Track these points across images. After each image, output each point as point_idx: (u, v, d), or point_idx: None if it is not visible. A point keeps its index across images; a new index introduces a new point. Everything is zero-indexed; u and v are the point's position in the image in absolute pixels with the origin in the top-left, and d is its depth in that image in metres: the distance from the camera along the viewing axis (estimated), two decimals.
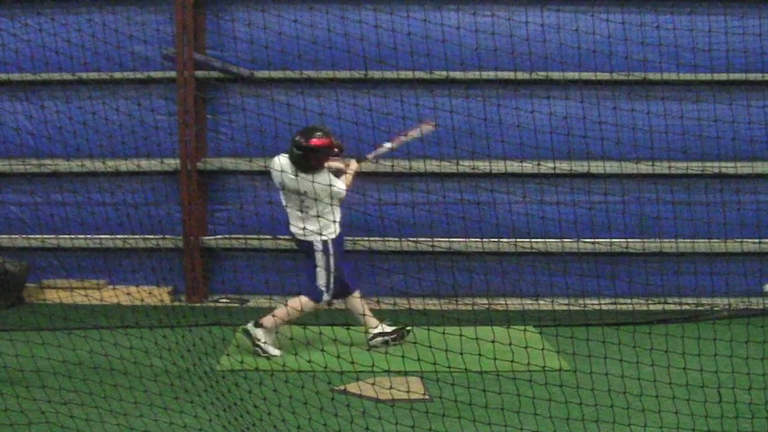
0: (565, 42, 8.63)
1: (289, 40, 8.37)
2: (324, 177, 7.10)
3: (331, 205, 7.10)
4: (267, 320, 7.27)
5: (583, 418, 5.38)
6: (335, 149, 7.25)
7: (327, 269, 7.23)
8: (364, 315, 7.49)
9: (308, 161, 7.13)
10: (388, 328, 7.51)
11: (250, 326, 7.31)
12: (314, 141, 7.14)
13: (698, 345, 6.02)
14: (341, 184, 7.28)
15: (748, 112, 9.01)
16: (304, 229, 7.20)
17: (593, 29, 8.56)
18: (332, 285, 7.27)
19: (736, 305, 9.03)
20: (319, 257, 7.23)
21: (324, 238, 7.18)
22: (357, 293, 7.48)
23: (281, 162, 7.20)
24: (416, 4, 9.10)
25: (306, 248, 7.31)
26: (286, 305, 7.25)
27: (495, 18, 8.37)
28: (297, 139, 7.15)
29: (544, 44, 8.39)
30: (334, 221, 7.17)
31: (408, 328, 7.48)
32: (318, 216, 6.95)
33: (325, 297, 7.27)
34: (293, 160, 7.17)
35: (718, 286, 8.73)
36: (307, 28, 8.14)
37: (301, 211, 7.19)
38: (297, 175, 7.03)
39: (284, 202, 7.34)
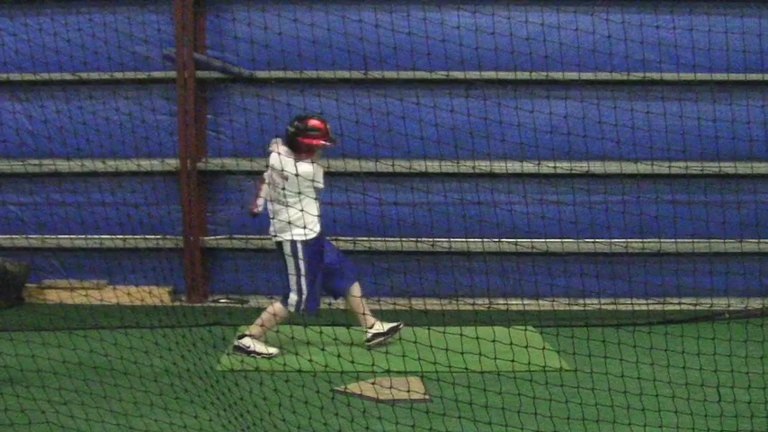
0: (565, 42, 8.63)
1: (289, 40, 8.37)
2: (307, 166, 7.08)
3: (300, 199, 6.92)
4: (253, 329, 7.29)
5: (583, 417, 5.38)
6: (330, 137, 7.30)
7: (297, 273, 7.16)
8: (364, 314, 7.49)
9: (300, 143, 7.18)
10: (385, 326, 7.53)
11: (236, 342, 7.30)
12: (310, 122, 7.25)
13: (697, 344, 6.03)
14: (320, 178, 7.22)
15: (748, 111, 9.02)
16: (277, 227, 7.19)
17: (594, 29, 8.57)
18: (304, 290, 7.16)
19: (735, 305, 9.04)
20: (289, 260, 7.18)
21: (293, 238, 7.12)
22: (357, 292, 7.46)
23: (281, 148, 7.26)
24: (416, 3, 9.09)
25: (279, 250, 7.29)
26: (273, 314, 7.29)
27: (495, 18, 8.36)
28: (294, 122, 7.26)
29: (544, 44, 8.39)
30: (305, 227, 7.05)
31: (400, 324, 7.50)
32: (294, 207, 6.92)
33: (294, 298, 7.16)
34: (288, 141, 7.23)
35: (718, 286, 8.74)
36: (307, 27, 8.14)
37: (277, 205, 7.16)
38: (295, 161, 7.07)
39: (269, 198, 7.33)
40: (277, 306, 7.26)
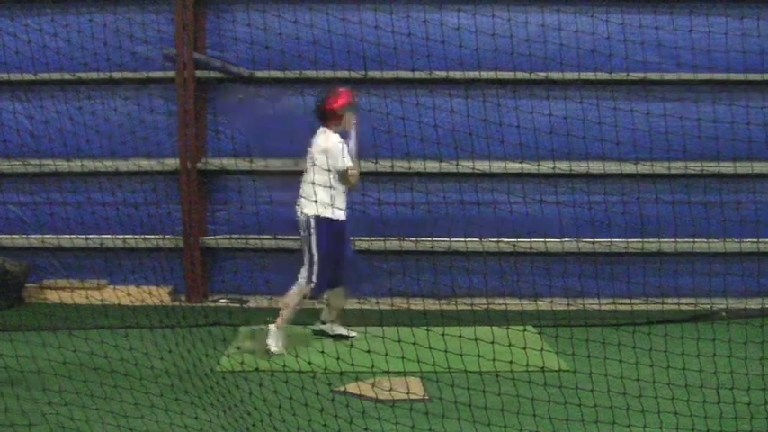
0: (565, 43, 8.64)
1: (289, 41, 8.38)
2: (334, 138, 7.27)
3: (330, 177, 7.07)
4: (278, 320, 7.32)
5: (582, 419, 5.39)
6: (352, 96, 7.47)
7: (310, 250, 7.17)
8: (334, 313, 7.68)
9: (326, 111, 7.34)
10: (343, 331, 7.68)
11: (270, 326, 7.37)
12: (339, 89, 7.48)
13: (697, 345, 6.03)
14: (344, 157, 7.29)
15: (747, 112, 9.02)
16: (302, 201, 7.25)
17: (593, 29, 8.57)
18: (315, 270, 7.15)
19: (734, 305, 9.04)
20: (306, 235, 7.22)
21: (314, 213, 7.14)
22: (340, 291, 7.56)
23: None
24: (417, 4, 9.10)
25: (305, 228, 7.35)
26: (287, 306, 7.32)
27: (494, 18, 8.37)
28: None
29: (544, 45, 8.40)
30: (332, 205, 7.11)
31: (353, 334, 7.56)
32: (321, 184, 7.05)
33: (303, 274, 7.19)
34: (318, 117, 7.41)
35: (717, 286, 8.75)
36: (306, 28, 8.15)
37: (306, 182, 7.25)
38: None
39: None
40: (287, 300, 7.27)
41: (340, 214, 7.21)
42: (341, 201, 7.24)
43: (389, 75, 9.03)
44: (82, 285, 9.13)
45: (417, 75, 9.12)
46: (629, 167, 8.91)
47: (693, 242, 8.99)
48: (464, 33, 8.63)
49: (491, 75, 8.96)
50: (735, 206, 9.13)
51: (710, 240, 9.02)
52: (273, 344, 7.22)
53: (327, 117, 7.32)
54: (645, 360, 6.07)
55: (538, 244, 9.08)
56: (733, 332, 6.31)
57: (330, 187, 6.98)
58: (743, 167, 9.10)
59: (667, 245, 9.15)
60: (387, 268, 8.91)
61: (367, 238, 8.82)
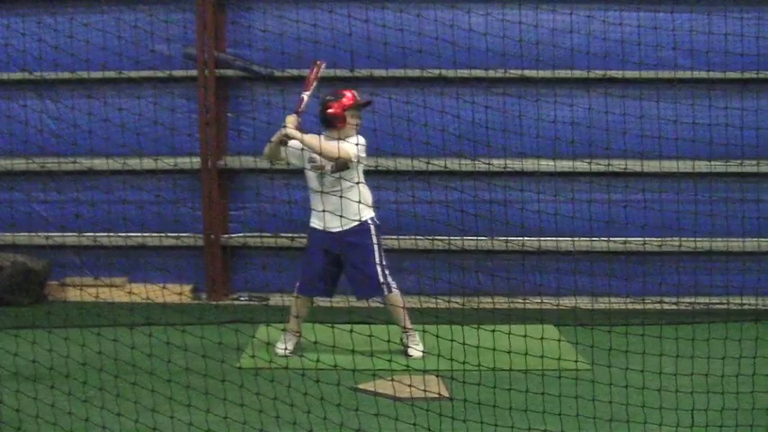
0: (589, 40, 8.60)
1: (308, 40, 8.36)
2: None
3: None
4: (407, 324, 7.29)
5: (611, 418, 5.32)
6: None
7: None
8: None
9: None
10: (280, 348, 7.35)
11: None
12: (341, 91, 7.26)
13: (724, 345, 5.94)
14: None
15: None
16: None
17: (620, 24, 8.53)
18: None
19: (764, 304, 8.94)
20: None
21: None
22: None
23: None
24: (442, 3, 9.07)
25: None
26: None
27: (511, 17, 8.33)
28: None
29: (563, 42, 8.37)
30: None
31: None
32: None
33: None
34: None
35: (749, 285, 8.68)
36: (326, 26, 8.14)
37: None
38: None
39: None
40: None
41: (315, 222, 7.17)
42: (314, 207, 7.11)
43: (413, 72, 8.97)
44: (103, 283, 9.14)
45: (441, 72, 9.05)
46: (652, 165, 8.86)
47: (744, 241, 8.92)
48: (490, 30, 8.59)
49: (516, 72, 8.90)
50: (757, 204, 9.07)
51: (745, 240, 8.96)
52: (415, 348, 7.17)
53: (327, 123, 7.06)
54: (667, 359, 5.98)
55: (563, 242, 9.04)
56: (759, 332, 6.21)
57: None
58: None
59: (693, 243, 9.06)
60: (400, 268, 8.84)
61: (390, 237, 8.77)
